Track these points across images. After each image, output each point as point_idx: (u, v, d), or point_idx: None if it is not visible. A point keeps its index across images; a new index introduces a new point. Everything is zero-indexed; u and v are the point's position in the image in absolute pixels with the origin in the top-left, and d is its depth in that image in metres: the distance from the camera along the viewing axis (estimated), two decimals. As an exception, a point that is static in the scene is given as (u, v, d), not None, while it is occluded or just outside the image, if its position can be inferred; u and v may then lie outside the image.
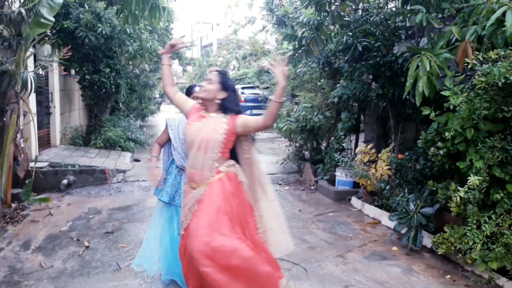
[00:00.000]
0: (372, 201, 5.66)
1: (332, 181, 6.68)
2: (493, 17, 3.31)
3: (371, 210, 5.51)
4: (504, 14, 3.33)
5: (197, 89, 3.15)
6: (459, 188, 3.32)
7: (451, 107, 3.49)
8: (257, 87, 15.47)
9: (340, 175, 6.42)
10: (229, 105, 2.78)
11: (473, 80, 3.34)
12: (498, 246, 3.21)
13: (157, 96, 24.34)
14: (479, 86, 3.28)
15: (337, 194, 6.23)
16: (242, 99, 16.12)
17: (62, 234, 4.65)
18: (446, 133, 3.48)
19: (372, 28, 5.45)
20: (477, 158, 3.34)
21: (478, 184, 3.21)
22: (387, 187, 5.27)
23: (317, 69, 6.91)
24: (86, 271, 3.69)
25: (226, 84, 2.79)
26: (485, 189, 3.31)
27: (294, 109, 7.33)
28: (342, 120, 6.94)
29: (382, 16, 5.43)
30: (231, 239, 2.56)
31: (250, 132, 2.82)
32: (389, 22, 5.43)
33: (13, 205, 5.58)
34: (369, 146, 5.97)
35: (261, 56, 18.35)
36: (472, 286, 3.52)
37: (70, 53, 5.94)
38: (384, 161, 5.52)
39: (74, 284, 3.47)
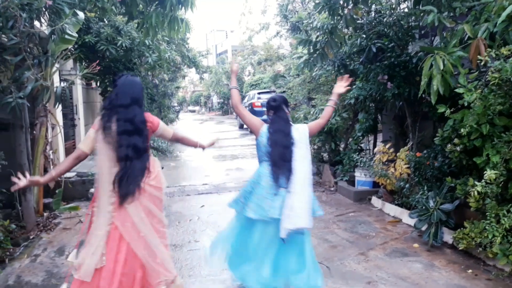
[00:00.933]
0: (392, 200, 5.72)
1: (351, 181, 6.76)
2: (504, 14, 3.38)
3: (392, 209, 5.57)
4: (515, 10, 3.40)
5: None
6: (476, 183, 3.38)
7: (466, 104, 3.56)
8: (273, 91, 15.63)
9: (359, 175, 6.50)
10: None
11: (487, 76, 3.41)
12: (518, 239, 3.26)
13: (176, 104, 24.72)
14: (493, 82, 3.35)
15: (357, 194, 6.30)
16: (259, 104, 16.29)
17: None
18: (462, 130, 3.56)
19: (385, 29, 5.54)
20: (494, 153, 3.40)
21: (495, 178, 3.27)
22: (407, 186, 5.32)
23: (333, 72, 7.02)
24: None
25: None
26: (502, 183, 3.37)
27: (311, 112, 7.45)
28: (360, 121, 7.02)
29: (395, 17, 5.52)
30: None
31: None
32: (402, 22, 5.52)
33: (45, 214, 5.84)
34: (388, 146, 6.03)
35: (276, 61, 18.50)
36: (493, 279, 3.57)
37: (98, 67, 6.20)
38: (402, 160, 5.58)
39: (108, 286, 3.64)
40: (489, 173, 3.24)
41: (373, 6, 5.75)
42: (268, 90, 17.34)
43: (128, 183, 2.74)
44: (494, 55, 3.39)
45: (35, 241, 4.84)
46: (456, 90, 3.66)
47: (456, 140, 3.87)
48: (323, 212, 3.38)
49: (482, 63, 3.41)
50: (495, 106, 3.37)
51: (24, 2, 2.87)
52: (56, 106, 4.71)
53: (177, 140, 3.27)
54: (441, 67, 3.68)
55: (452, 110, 3.96)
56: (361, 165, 6.19)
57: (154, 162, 3.04)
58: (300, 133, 3.25)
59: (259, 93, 17.22)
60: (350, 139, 7.63)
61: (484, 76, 3.55)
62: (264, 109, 16.70)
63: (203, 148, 3.41)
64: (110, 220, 2.73)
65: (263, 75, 23.34)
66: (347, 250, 4.36)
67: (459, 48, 3.81)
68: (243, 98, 22.81)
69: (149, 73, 12.37)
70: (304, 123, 7.16)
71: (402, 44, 5.64)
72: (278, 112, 3.29)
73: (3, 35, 3.19)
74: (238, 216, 3.43)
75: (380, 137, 7.76)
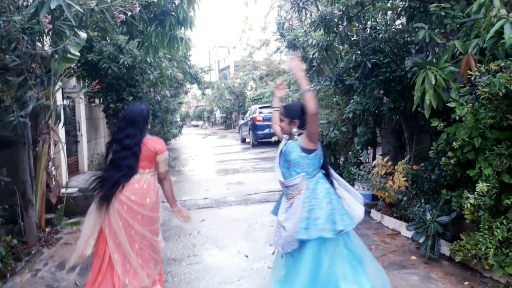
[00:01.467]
0: (391, 212, 5.76)
1: (351, 195, 6.79)
2: (492, 30, 3.47)
3: (390, 222, 5.61)
4: (503, 26, 3.50)
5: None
6: (469, 195, 3.44)
7: (457, 117, 3.63)
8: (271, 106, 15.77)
9: (358, 188, 6.53)
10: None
11: (477, 90, 3.48)
12: (511, 250, 3.30)
13: (178, 119, 24.90)
14: (483, 96, 3.42)
15: (356, 208, 6.32)
16: (260, 118, 16.42)
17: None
18: (454, 143, 3.62)
19: (381, 45, 5.65)
20: (486, 166, 3.46)
21: (487, 190, 3.32)
22: (405, 198, 5.37)
23: (331, 86, 7.13)
24: (117, 288, 3.92)
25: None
26: (495, 195, 3.42)
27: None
28: (358, 135, 7.09)
29: (390, 33, 5.63)
30: None
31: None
32: (397, 38, 5.63)
33: (47, 229, 5.91)
34: (386, 159, 6.10)
35: (277, 76, 18.71)
36: (489, 291, 3.60)
37: (98, 86, 6.33)
38: (400, 173, 5.64)
39: (107, 300, 3.69)
40: (481, 186, 3.30)
41: (369, 23, 5.88)
42: (269, 105, 17.48)
43: (101, 190, 3.31)
44: (484, 70, 3.47)
45: (37, 256, 4.90)
46: (448, 104, 3.73)
47: (449, 153, 3.93)
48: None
49: (472, 78, 3.49)
50: (485, 119, 3.44)
51: (25, 26, 2.99)
52: (57, 124, 4.82)
53: (160, 181, 3.44)
54: (433, 82, 3.76)
55: (445, 123, 4.04)
56: (359, 178, 6.24)
57: (147, 181, 3.23)
58: None
59: (260, 108, 17.39)
60: (350, 153, 7.69)
61: (474, 91, 3.63)
62: (266, 123, 16.80)
63: (173, 211, 3.54)
64: (98, 220, 3.32)
65: (265, 89, 23.55)
66: (345, 263, 4.39)
67: (451, 64, 3.89)
68: (244, 112, 23.01)
69: (151, 89, 12.55)
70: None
71: (398, 59, 5.75)
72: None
73: (6, 57, 3.30)
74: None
75: (379, 150, 7.83)
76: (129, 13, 4.24)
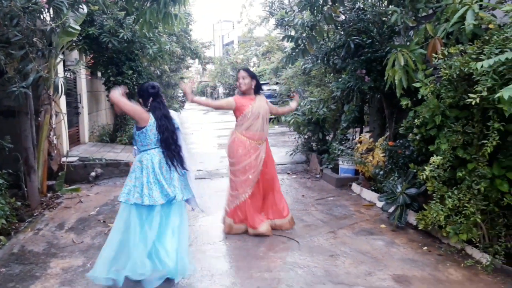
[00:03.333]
0: (369, 186, 6.13)
1: (336, 169, 7.16)
2: (455, 16, 3.75)
3: (368, 194, 5.98)
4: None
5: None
6: (425, 167, 3.78)
7: (420, 97, 3.95)
8: (267, 83, 16.02)
9: (342, 163, 6.90)
10: (258, 86, 4.67)
11: (439, 72, 3.78)
12: (461, 217, 3.66)
13: (180, 94, 25.12)
14: (444, 77, 3.72)
15: (339, 181, 6.72)
16: (260, 95, 16.68)
17: (90, 217, 5.35)
18: (416, 120, 3.95)
19: (368, 26, 5.89)
20: (444, 141, 3.79)
21: (442, 163, 3.67)
22: (381, 173, 5.72)
23: (321, 65, 7.39)
24: (110, 245, 4.34)
25: (253, 75, 4.65)
26: (450, 168, 3.76)
27: (302, 103, 7.85)
28: (345, 112, 7.40)
29: (376, 15, 5.87)
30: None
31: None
32: (383, 19, 5.87)
33: (48, 194, 6.35)
34: (367, 136, 6.42)
35: (277, 52, 18.83)
36: (444, 255, 3.98)
37: (93, 61, 6.64)
38: (380, 149, 5.98)
39: (100, 255, 4.12)
40: (434, 159, 3.64)
41: (357, 4, 6.11)
42: (268, 82, 17.69)
43: None
44: (446, 53, 3.76)
45: (38, 217, 5.33)
46: (413, 84, 4.04)
47: (415, 130, 4.26)
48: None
49: (435, 61, 3.78)
50: (445, 99, 3.75)
51: (25, 5, 3.29)
52: (54, 95, 5.16)
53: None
54: (402, 63, 4.07)
55: (415, 102, 4.35)
56: (343, 154, 6.59)
57: None
58: (178, 117, 3.73)
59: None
60: (338, 130, 8.02)
61: (437, 72, 3.92)
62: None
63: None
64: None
65: (267, 66, 23.68)
66: (319, 229, 4.79)
67: (420, 46, 4.18)
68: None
69: (151, 64, 12.81)
70: (294, 113, 7.62)
71: (384, 40, 5.99)
72: (157, 98, 3.52)
73: (9, 31, 3.62)
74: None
75: (367, 128, 8.15)
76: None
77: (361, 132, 7.94)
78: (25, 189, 5.87)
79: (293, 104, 5.14)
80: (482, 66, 3.12)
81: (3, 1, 3.18)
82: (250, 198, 4.56)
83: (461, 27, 3.79)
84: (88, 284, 3.50)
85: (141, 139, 3.48)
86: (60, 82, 4.46)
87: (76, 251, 4.25)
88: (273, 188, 4.76)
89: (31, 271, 3.77)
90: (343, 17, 5.93)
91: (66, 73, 7.72)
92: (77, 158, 7.75)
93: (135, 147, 3.67)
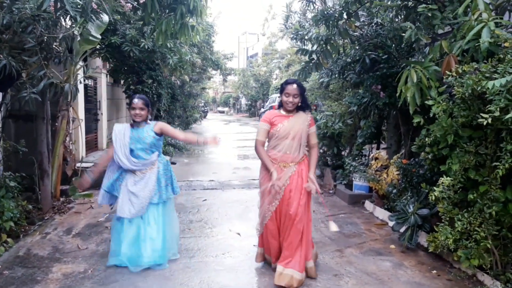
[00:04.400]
0: (382, 204, 5.97)
1: (350, 185, 7.02)
2: (471, 34, 3.63)
3: (381, 213, 5.83)
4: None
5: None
6: (435, 188, 3.64)
7: (433, 115, 3.82)
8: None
9: (356, 180, 6.76)
10: (305, 103, 3.91)
11: (452, 90, 3.66)
12: (471, 242, 3.50)
13: (202, 104, 25.34)
14: (457, 96, 3.60)
15: (352, 198, 6.57)
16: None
17: (99, 224, 5.38)
18: (427, 139, 3.82)
19: (384, 41, 5.80)
20: (455, 162, 3.65)
21: (452, 184, 3.53)
22: (394, 191, 5.57)
23: (339, 79, 7.31)
24: (114, 253, 4.34)
25: (303, 91, 3.90)
26: (460, 189, 3.62)
27: (318, 117, 7.77)
28: (362, 128, 7.28)
29: (395, 31, 5.76)
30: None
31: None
32: (402, 35, 5.76)
33: (61, 199, 6.44)
34: (382, 153, 6.28)
35: (297, 65, 18.80)
36: (453, 280, 3.81)
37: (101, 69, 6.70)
38: (394, 167, 5.83)
39: (103, 262, 4.12)
40: (444, 180, 3.50)
41: (375, 19, 6.02)
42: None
43: None
44: (460, 71, 3.64)
45: (48, 221, 5.40)
46: (426, 102, 3.92)
47: (427, 149, 4.12)
48: None
49: (448, 78, 3.67)
50: (458, 118, 3.62)
51: (35, 13, 3.37)
52: (71, 101, 5.26)
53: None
54: (415, 80, 3.96)
55: (429, 120, 4.22)
56: (356, 170, 6.46)
57: None
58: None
59: (279, 97, 17.62)
60: (354, 145, 7.88)
61: (450, 90, 3.80)
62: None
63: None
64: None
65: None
66: (326, 247, 4.68)
67: (434, 63, 4.07)
68: (266, 101, 23.22)
69: (172, 74, 12.97)
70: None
71: (402, 56, 5.88)
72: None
73: (23, 39, 3.71)
74: None
75: (385, 145, 7.99)
76: (140, 0, 4.61)
77: (377, 148, 7.79)
78: (39, 192, 5.97)
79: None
80: (494, 85, 3.00)
81: (14, 9, 3.26)
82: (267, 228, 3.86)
83: (477, 44, 3.67)
84: (86, 291, 3.50)
85: (160, 144, 4.18)
86: (70, 88, 4.52)
87: (80, 257, 4.26)
88: (291, 227, 3.70)
89: (33, 275, 3.79)
90: (359, 31, 5.84)
91: (85, 80, 7.86)
92: (92, 164, 7.84)
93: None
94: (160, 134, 4.11)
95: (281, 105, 3.91)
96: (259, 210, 3.94)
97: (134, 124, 4.11)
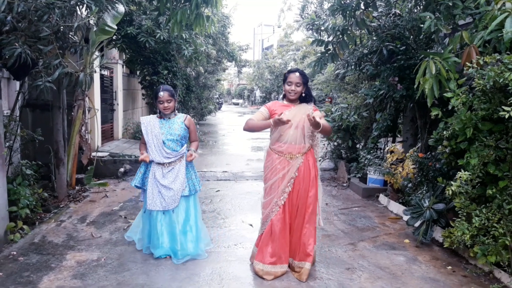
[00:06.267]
0: (397, 198, 5.89)
1: (364, 179, 6.95)
2: (493, 24, 3.51)
3: (395, 207, 5.75)
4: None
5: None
6: (452, 182, 3.56)
7: (451, 108, 3.73)
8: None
9: (370, 173, 6.68)
10: (309, 94, 3.74)
11: (472, 82, 3.56)
12: (489, 238, 3.42)
13: (216, 96, 25.34)
14: (478, 88, 3.50)
15: (365, 191, 6.50)
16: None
17: (113, 212, 5.43)
18: (445, 132, 3.73)
19: (403, 32, 5.67)
20: (474, 156, 3.56)
21: (470, 179, 3.44)
22: (409, 185, 5.48)
23: (355, 71, 7.21)
24: (127, 242, 4.37)
25: (307, 81, 3.71)
26: (479, 184, 3.53)
27: (332, 109, 7.68)
28: (377, 120, 7.17)
29: (414, 21, 5.64)
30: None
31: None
32: (421, 26, 5.63)
33: (76, 187, 6.51)
34: (398, 146, 6.18)
35: (312, 57, 18.64)
36: (469, 276, 3.73)
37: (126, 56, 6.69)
38: (410, 160, 5.73)
39: (116, 251, 4.16)
40: (462, 174, 3.42)
41: (393, 10, 5.90)
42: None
43: None
44: (482, 62, 3.53)
45: (64, 209, 5.46)
46: (444, 94, 3.82)
47: (445, 142, 4.03)
48: None
49: (468, 70, 3.56)
50: (478, 111, 3.52)
51: (50, 2, 3.37)
52: (86, 90, 5.29)
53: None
54: (433, 72, 3.86)
55: (448, 112, 4.12)
56: (370, 163, 6.37)
57: None
58: None
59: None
60: (369, 138, 7.78)
61: (470, 82, 3.70)
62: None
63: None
64: None
65: (305, 71, 23.50)
66: (339, 240, 4.63)
67: (453, 55, 3.95)
68: (281, 93, 23.03)
69: (188, 65, 12.98)
70: (325, 119, 7.46)
71: (421, 47, 5.75)
72: None
73: (39, 28, 3.73)
74: None
75: (401, 138, 7.86)
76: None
77: (393, 141, 7.67)
78: (54, 181, 6.04)
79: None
80: (517, 77, 2.90)
81: (28, -3, 3.27)
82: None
83: (500, 35, 3.55)
84: (99, 279, 3.52)
85: (187, 137, 4.12)
86: (85, 77, 4.54)
87: (93, 245, 4.30)
88: (303, 219, 3.63)
89: (47, 261, 3.84)
90: (376, 22, 5.73)
91: (101, 70, 7.90)
92: (108, 153, 7.92)
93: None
94: (188, 128, 4.09)
95: (284, 96, 3.78)
96: (262, 209, 3.77)
97: (163, 116, 4.03)
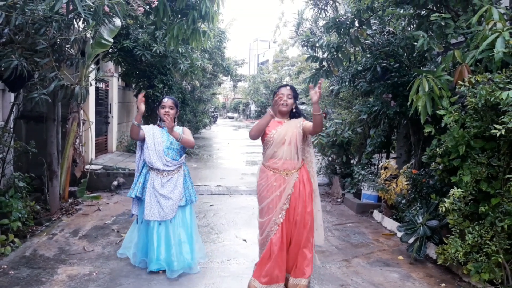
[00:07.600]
0: (391, 214, 5.90)
1: (358, 194, 6.96)
2: (485, 43, 3.58)
3: (389, 223, 5.75)
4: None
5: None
6: (445, 199, 3.58)
7: (444, 125, 3.77)
8: (300, 103, 15.94)
9: (365, 189, 6.69)
10: (298, 111, 3.74)
11: (465, 100, 3.61)
12: (482, 255, 3.43)
13: (211, 110, 25.39)
14: (470, 106, 3.55)
15: (360, 207, 6.51)
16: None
17: (105, 226, 5.38)
18: (437, 149, 3.76)
19: (396, 49, 5.76)
20: (467, 173, 3.58)
21: (463, 196, 3.46)
22: (403, 201, 5.49)
23: (349, 87, 7.28)
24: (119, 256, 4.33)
25: (297, 96, 3.73)
26: (471, 201, 3.55)
27: (327, 125, 7.73)
28: (371, 136, 7.21)
29: (407, 40, 5.73)
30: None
31: (308, 134, 3.63)
32: (414, 44, 5.72)
33: (69, 200, 6.46)
34: (392, 162, 6.21)
35: (307, 72, 18.82)
36: (462, 294, 3.73)
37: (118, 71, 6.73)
38: (404, 177, 5.76)
39: (108, 265, 4.11)
40: (455, 191, 3.44)
41: (387, 28, 6.00)
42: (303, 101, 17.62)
43: None
44: (473, 81, 3.59)
45: (56, 222, 5.41)
46: (437, 112, 3.87)
47: (438, 159, 4.06)
48: None
49: (460, 88, 3.62)
50: (470, 129, 3.57)
51: (48, 15, 3.40)
52: (82, 103, 5.29)
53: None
54: (426, 89, 3.91)
55: (441, 130, 4.17)
56: (364, 179, 6.39)
57: None
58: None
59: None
60: (364, 154, 7.81)
61: (462, 100, 3.75)
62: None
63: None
64: None
65: (299, 86, 23.66)
66: (332, 256, 4.62)
67: (446, 73, 4.02)
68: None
69: (183, 79, 13.05)
70: (319, 135, 7.50)
71: (414, 65, 5.83)
72: None
73: (36, 40, 3.74)
74: None
75: (395, 154, 7.91)
76: (153, 5, 4.64)
77: (387, 157, 7.71)
78: (47, 193, 6.00)
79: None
80: (508, 96, 2.95)
81: (27, 10, 3.29)
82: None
83: (491, 54, 3.62)
84: (90, 294, 3.48)
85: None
86: (81, 90, 4.55)
87: (85, 259, 4.26)
88: (302, 236, 3.54)
89: (38, 275, 3.79)
90: (370, 40, 5.81)
91: (97, 83, 7.91)
92: (102, 166, 7.89)
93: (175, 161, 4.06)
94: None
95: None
96: (260, 229, 3.65)
97: (163, 125, 4.02)
